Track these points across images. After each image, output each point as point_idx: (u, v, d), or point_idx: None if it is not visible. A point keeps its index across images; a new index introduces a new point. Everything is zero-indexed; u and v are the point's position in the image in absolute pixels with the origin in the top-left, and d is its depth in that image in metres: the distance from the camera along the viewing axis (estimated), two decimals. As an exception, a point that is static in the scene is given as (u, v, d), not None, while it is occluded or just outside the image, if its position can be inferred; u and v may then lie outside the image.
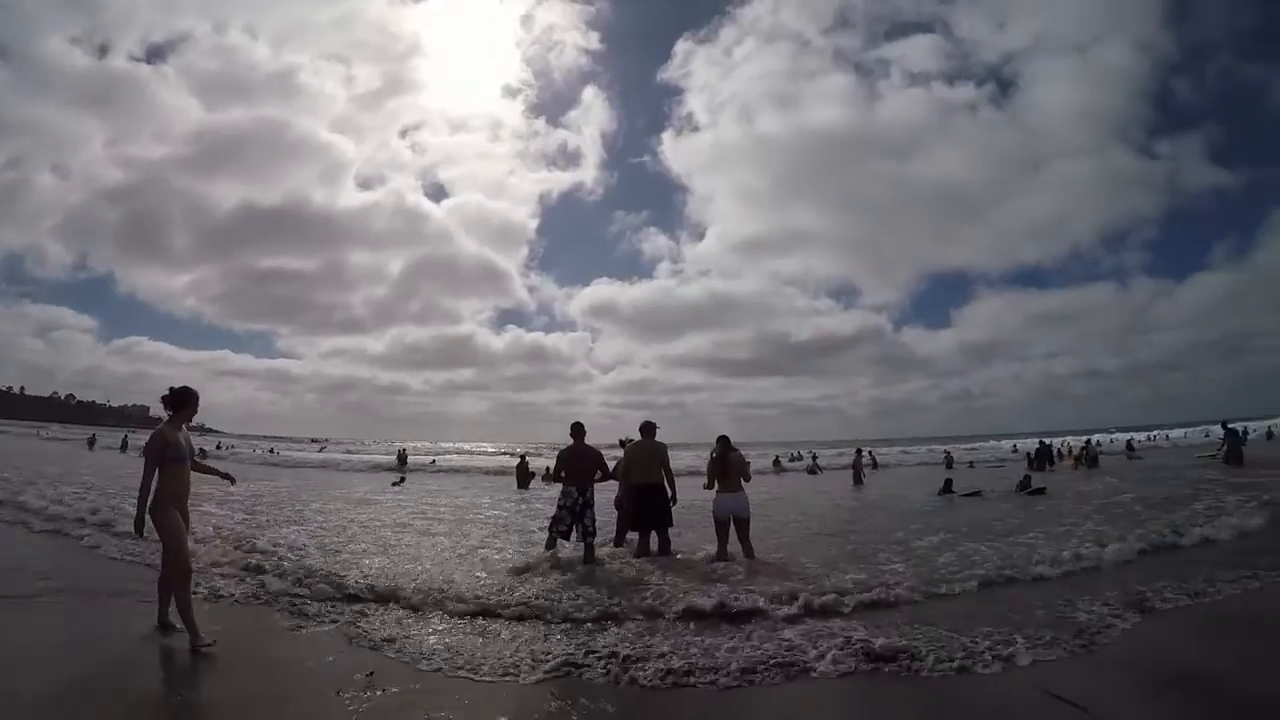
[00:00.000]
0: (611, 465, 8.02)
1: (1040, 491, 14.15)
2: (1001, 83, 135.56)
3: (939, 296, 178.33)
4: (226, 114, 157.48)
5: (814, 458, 35.74)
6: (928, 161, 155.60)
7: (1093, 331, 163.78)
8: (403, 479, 22.97)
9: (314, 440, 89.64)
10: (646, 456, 8.01)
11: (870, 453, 31.62)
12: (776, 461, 32.37)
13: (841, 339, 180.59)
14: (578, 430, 7.75)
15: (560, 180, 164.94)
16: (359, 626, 5.11)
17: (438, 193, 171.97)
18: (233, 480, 5.63)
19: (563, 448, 7.87)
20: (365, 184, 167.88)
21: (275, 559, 7.15)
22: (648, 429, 8.13)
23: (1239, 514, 9.85)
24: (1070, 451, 27.27)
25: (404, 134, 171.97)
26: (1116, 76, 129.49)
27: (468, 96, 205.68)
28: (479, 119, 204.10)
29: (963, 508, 12.76)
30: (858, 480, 20.96)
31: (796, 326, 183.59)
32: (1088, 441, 28.28)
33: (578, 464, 7.63)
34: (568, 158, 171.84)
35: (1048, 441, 28.08)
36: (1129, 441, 38.02)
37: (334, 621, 5.25)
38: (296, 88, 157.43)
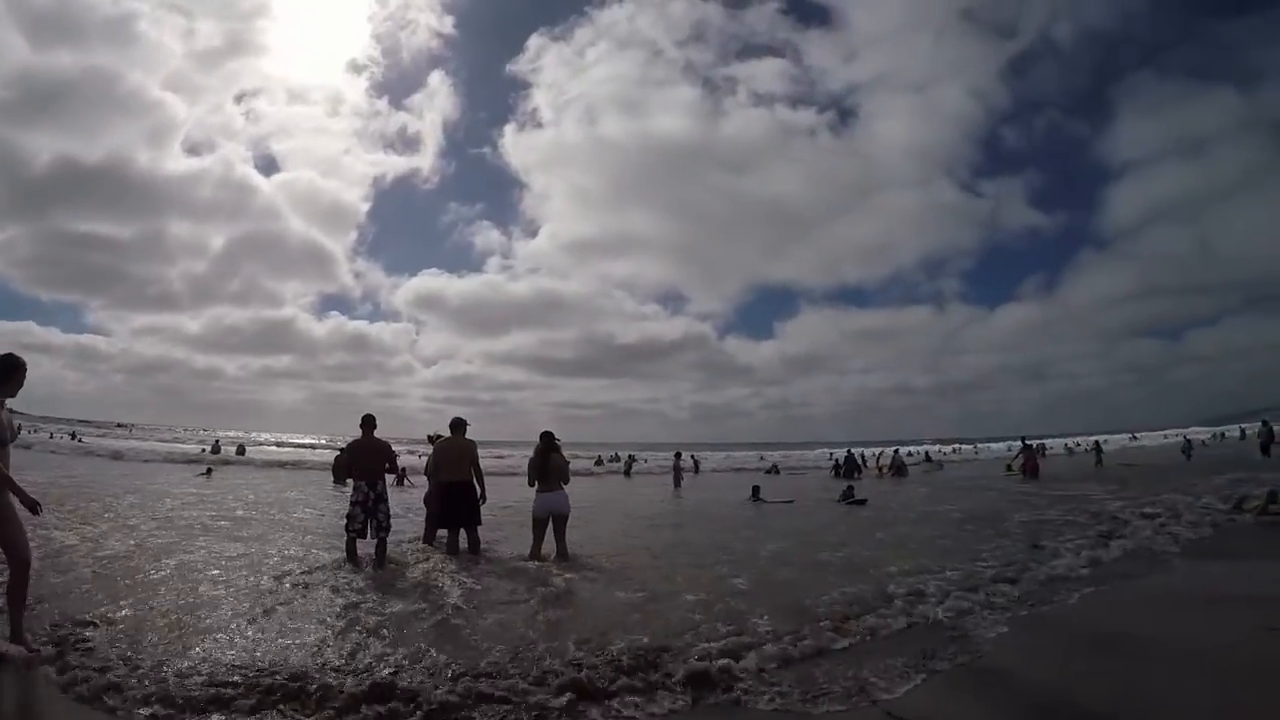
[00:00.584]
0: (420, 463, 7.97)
1: (861, 502, 14.39)
2: (842, 112, 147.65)
3: (764, 309, 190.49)
4: (55, 57, 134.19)
5: (630, 460, 35.91)
6: (764, 179, 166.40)
7: (908, 350, 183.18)
8: (210, 470, 21.47)
9: (120, 425, 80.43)
10: (455, 454, 8.00)
11: (692, 456, 32.65)
12: (599, 461, 34.40)
13: (667, 344, 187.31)
14: (368, 423, 7.56)
15: (397, 164, 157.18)
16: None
17: (268, 165, 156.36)
18: (37, 510, 4.08)
19: (351, 441, 7.72)
20: (193, 149, 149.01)
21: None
22: (458, 426, 8.14)
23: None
24: (879, 461, 29.31)
25: (240, 99, 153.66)
26: (950, 118, 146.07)
27: (311, 67, 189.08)
28: (319, 92, 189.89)
29: (774, 517, 12.80)
30: (677, 483, 21.54)
31: (623, 329, 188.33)
32: (895, 452, 30.22)
33: (368, 459, 7.47)
34: (407, 142, 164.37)
35: (854, 451, 30.25)
36: (927, 453, 42.11)
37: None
38: (133, 36, 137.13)
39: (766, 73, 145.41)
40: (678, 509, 14.97)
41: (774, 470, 30.56)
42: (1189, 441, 33.82)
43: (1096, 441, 35.25)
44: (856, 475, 24.77)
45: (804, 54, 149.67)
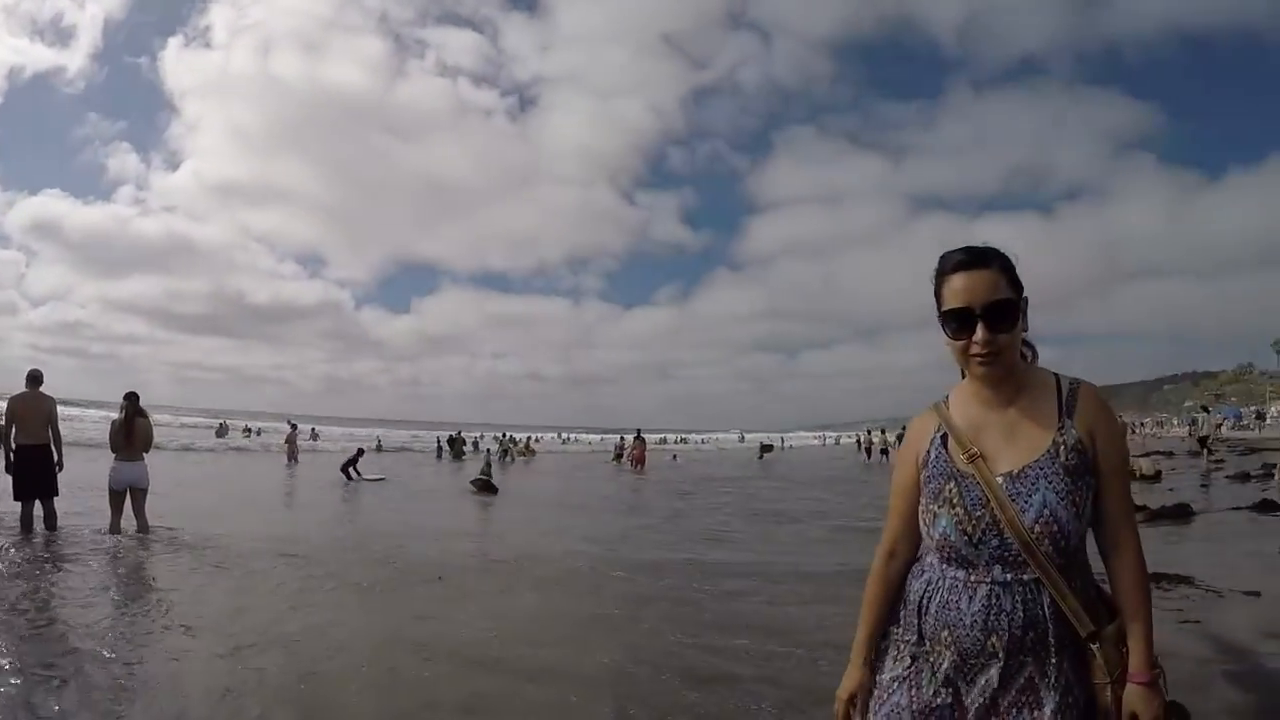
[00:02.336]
0: None
1: (493, 490, 14.11)
2: (524, 100, 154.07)
3: (405, 282, 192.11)
4: None
5: (247, 431, 37.19)
6: (429, 151, 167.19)
7: (542, 340, 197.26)
8: None
9: None
10: (32, 412, 6.96)
11: (312, 429, 34.28)
12: (221, 430, 35.37)
13: (301, 308, 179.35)
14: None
15: (41, 58, 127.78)
16: None
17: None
18: None
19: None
20: None
21: None
22: (34, 379, 7.11)
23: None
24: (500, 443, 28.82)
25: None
26: (626, 129, 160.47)
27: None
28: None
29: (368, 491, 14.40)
30: (292, 458, 21.33)
31: (257, 287, 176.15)
32: (504, 435, 31.06)
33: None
34: (59, 34, 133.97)
35: (460, 433, 31.42)
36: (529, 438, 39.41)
37: None
38: None
39: (460, 44, 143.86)
40: (284, 484, 15.87)
41: (378, 448, 31.15)
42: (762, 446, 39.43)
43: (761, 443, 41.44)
44: (462, 457, 26.53)
45: (502, 34, 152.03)
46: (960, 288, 1.21)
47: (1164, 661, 1.24)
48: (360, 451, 17.84)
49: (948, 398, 1.35)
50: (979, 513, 1.21)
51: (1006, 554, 1.19)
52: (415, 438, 43.86)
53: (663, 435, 59.22)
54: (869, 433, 31.58)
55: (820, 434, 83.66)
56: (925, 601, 1.29)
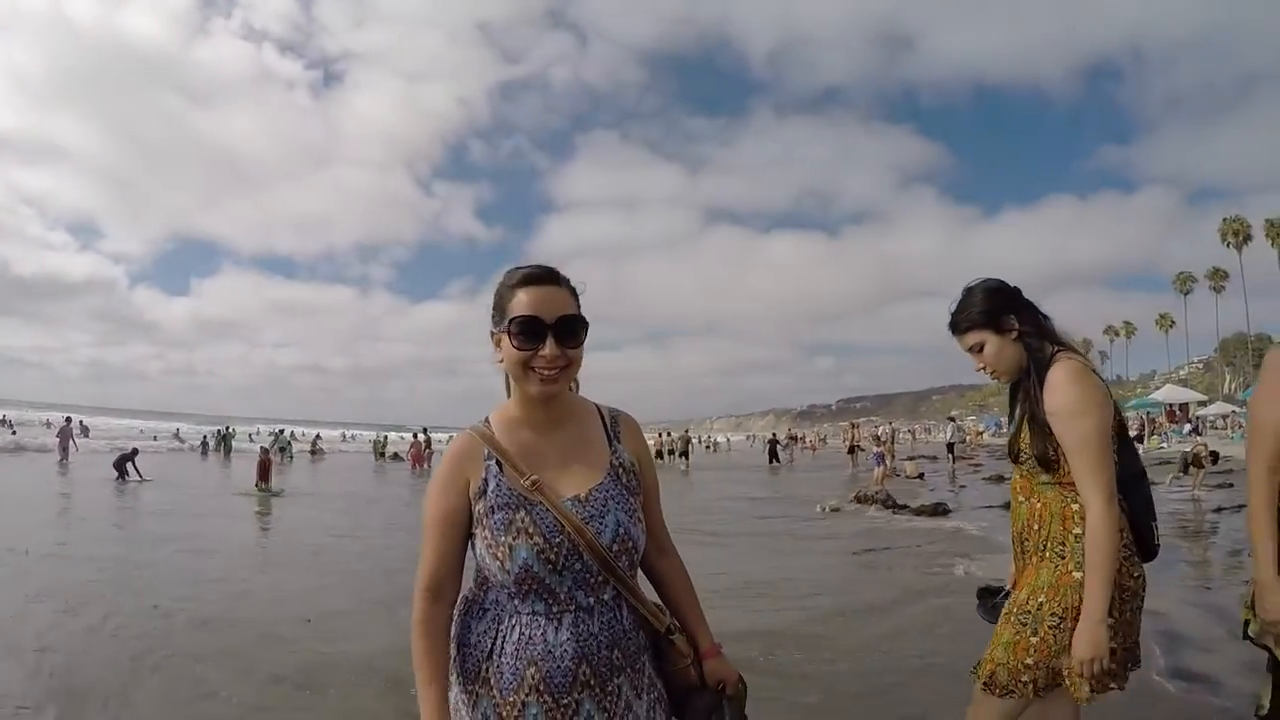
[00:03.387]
0: None
1: (276, 493, 13.55)
2: (330, 75, 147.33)
3: (184, 261, 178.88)
4: None
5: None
6: (223, 119, 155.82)
7: (326, 330, 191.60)
8: None
9: None
10: None
11: (81, 422, 30.99)
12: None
13: (70, 283, 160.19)
14: None
15: None
16: None
17: None
18: None
19: None
20: None
21: None
22: None
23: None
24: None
25: None
26: (431, 116, 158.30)
27: None
28: None
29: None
30: (65, 455, 20.29)
31: (23, 257, 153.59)
32: (281, 430, 30.41)
33: None
34: None
35: (230, 428, 31.62)
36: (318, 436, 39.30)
37: None
38: None
39: (271, 7, 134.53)
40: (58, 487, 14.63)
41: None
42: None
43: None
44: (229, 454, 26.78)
45: (316, 1, 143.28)
46: (531, 300, 1.21)
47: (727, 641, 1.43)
48: (135, 450, 16.83)
49: (488, 420, 1.31)
50: (557, 539, 1.20)
51: (588, 577, 1.21)
52: (183, 433, 41.13)
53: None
54: (659, 435, 31.06)
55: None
56: (497, 644, 1.22)
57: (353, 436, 53.79)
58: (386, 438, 28.70)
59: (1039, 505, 1.75)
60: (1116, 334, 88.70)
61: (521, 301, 1.20)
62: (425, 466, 21.15)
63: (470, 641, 1.24)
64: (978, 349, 1.84)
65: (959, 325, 1.88)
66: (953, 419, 26.49)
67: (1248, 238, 58.68)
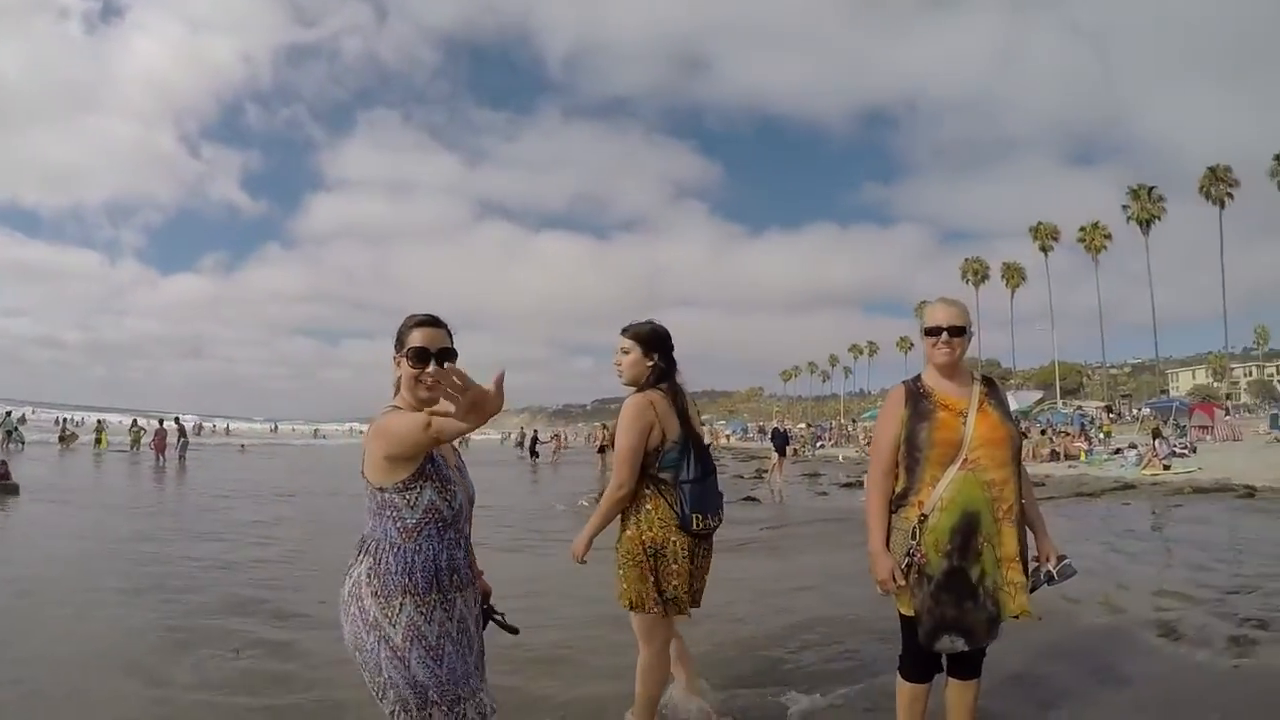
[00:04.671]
0: None
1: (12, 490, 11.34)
2: (109, 9, 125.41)
3: None
4: None
5: None
6: None
7: (65, 298, 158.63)
8: None
9: None
10: None
11: None
12: None
13: None
14: None
15: None
16: None
17: None
18: None
19: None
20: None
21: None
22: None
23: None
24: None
25: None
26: (208, 69, 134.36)
27: None
28: None
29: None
30: None
31: None
32: (7, 412, 27.02)
33: None
34: None
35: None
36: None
37: None
38: None
39: None
40: None
41: None
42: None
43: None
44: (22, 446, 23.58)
45: None
46: (424, 336, 1.75)
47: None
48: None
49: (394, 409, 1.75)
50: (454, 488, 1.74)
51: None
52: None
53: (215, 422, 55.97)
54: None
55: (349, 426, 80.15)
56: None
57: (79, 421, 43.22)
58: (140, 425, 26.28)
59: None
60: (861, 352, 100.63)
61: (415, 336, 1.76)
62: (167, 456, 20.96)
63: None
64: (626, 351, 2.54)
65: (629, 330, 2.56)
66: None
67: (985, 277, 64.97)
